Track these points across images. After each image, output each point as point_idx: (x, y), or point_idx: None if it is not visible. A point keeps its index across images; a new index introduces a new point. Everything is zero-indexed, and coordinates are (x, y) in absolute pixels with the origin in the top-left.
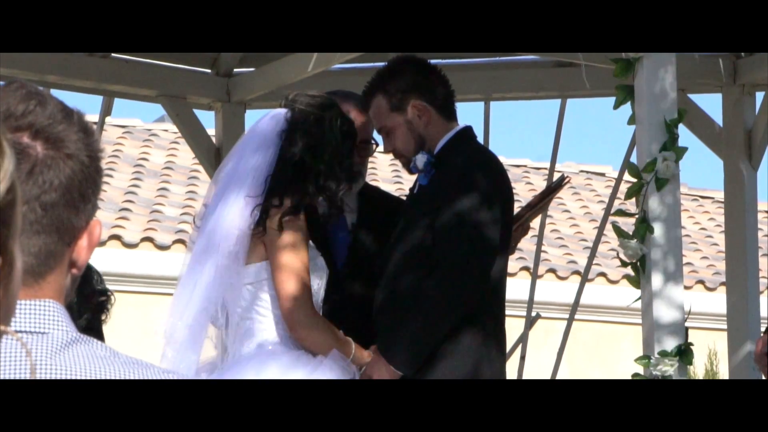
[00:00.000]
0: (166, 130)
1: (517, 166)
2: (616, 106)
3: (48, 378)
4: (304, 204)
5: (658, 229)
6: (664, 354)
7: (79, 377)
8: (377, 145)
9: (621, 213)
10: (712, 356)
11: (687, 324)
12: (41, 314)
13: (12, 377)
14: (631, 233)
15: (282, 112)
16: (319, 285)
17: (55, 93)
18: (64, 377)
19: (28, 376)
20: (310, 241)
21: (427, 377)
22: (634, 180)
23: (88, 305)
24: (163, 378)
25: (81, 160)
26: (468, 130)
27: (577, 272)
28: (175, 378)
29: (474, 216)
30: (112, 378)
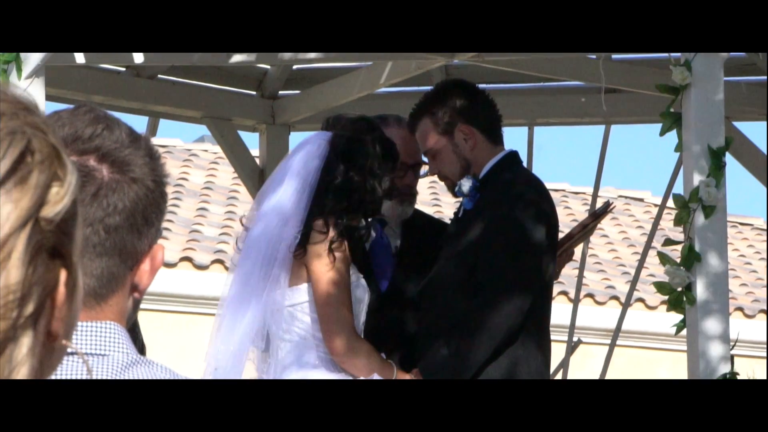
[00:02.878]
0: (205, 151)
1: (556, 190)
2: (663, 132)
3: None
4: (348, 229)
5: (704, 257)
6: None
7: None
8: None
9: (670, 242)
10: None
11: (731, 351)
12: (102, 336)
13: None
14: (675, 260)
15: (323, 134)
16: (360, 308)
17: None
18: None
19: None
20: (352, 264)
21: None
22: (677, 208)
23: None
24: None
25: (146, 184)
26: (514, 155)
27: (615, 297)
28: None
29: (519, 240)
30: None
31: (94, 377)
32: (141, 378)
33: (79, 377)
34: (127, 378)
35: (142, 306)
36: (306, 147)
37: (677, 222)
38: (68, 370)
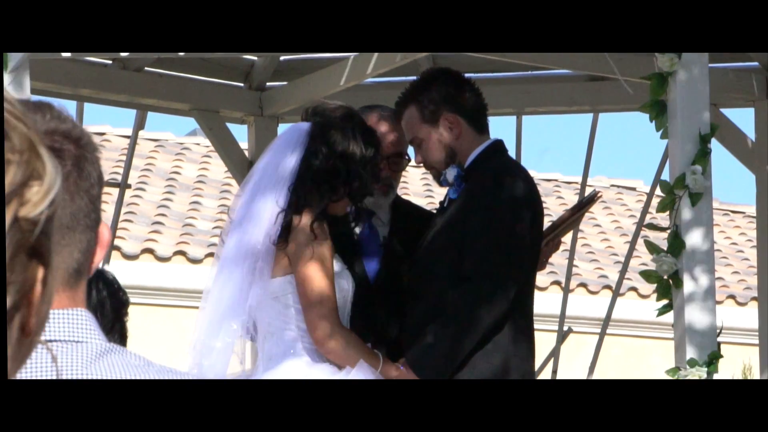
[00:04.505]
0: (198, 144)
1: (548, 180)
2: (652, 119)
3: None
4: (332, 218)
5: (691, 244)
6: (692, 363)
7: None
8: (410, 159)
9: (652, 227)
10: (747, 371)
11: (719, 339)
12: (76, 323)
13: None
14: (663, 248)
15: (304, 124)
16: (345, 298)
17: (90, 107)
18: None
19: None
20: (336, 254)
21: (456, 376)
22: (664, 193)
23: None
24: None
25: (96, 155)
26: (499, 144)
27: (607, 286)
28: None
29: (503, 229)
30: None
31: (70, 365)
32: (115, 365)
33: (45, 365)
34: (100, 365)
35: (136, 300)
36: (286, 138)
37: (660, 209)
38: (36, 359)
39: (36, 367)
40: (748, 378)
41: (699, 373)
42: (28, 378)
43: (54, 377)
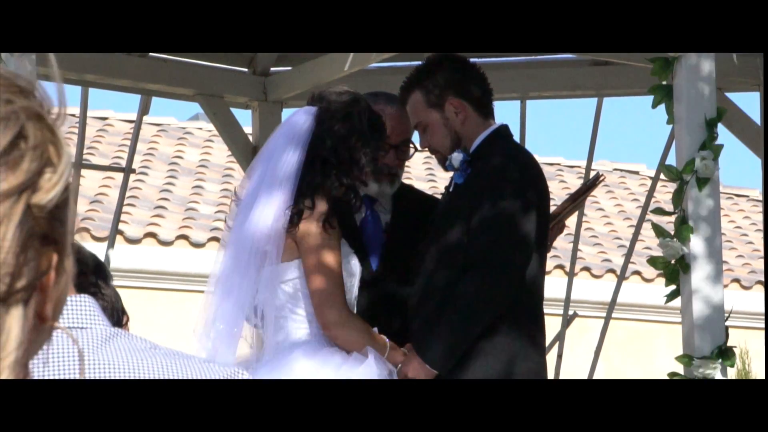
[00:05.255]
0: (200, 128)
1: (551, 164)
2: (654, 105)
3: (92, 371)
4: (338, 204)
5: (698, 229)
6: (707, 358)
7: (122, 369)
8: (416, 149)
9: (660, 211)
10: (744, 355)
11: (726, 323)
12: (80, 309)
13: (62, 371)
14: (669, 231)
15: (310, 109)
16: (352, 283)
17: (94, 92)
18: (107, 370)
19: (77, 370)
20: (343, 239)
21: (461, 375)
22: (670, 179)
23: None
24: (203, 368)
25: None
26: (504, 129)
27: (611, 270)
28: (217, 369)
29: (510, 215)
30: (155, 369)
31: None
32: (122, 349)
33: (66, 350)
34: (107, 349)
35: (139, 284)
36: (293, 123)
37: (675, 198)
38: (55, 344)
39: (57, 352)
40: (746, 362)
41: (714, 367)
42: (50, 362)
43: (77, 360)
